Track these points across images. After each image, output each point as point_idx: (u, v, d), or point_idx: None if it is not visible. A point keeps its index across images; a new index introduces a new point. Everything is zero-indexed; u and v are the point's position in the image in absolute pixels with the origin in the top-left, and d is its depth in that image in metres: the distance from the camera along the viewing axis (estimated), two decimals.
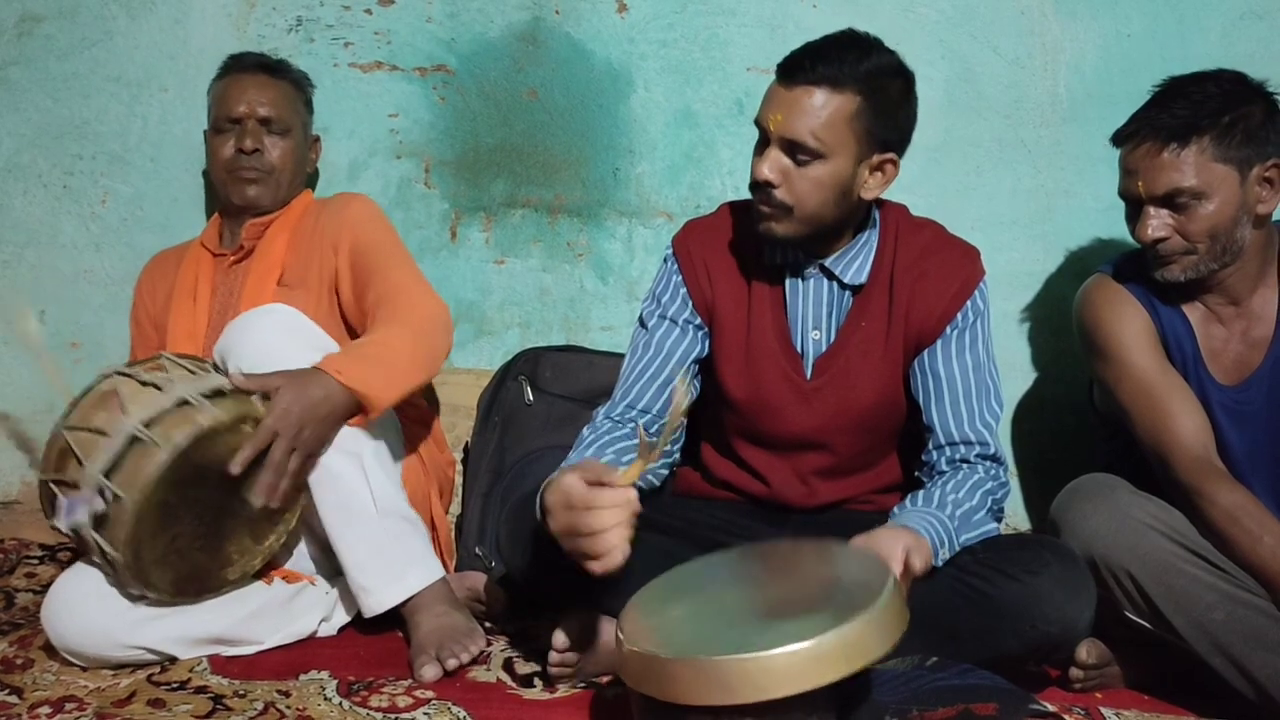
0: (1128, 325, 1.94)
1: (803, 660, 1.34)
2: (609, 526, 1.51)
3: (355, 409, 1.91)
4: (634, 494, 1.53)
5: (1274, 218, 1.91)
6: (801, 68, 1.77)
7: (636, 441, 1.87)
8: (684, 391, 1.60)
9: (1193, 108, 1.83)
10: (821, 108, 1.75)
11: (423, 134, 2.57)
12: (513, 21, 2.54)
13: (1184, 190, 1.83)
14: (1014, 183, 2.50)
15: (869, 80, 1.76)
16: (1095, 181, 2.44)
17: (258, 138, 2.24)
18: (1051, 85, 2.47)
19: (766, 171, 1.79)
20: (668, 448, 1.97)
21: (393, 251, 2.17)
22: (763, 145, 1.82)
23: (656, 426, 1.89)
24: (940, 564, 1.70)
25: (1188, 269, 1.89)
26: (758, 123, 1.82)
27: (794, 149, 1.77)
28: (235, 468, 1.80)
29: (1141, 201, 1.88)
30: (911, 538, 1.64)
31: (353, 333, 2.18)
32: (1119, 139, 1.93)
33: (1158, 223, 1.87)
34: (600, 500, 1.52)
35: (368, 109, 2.56)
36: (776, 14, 2.49)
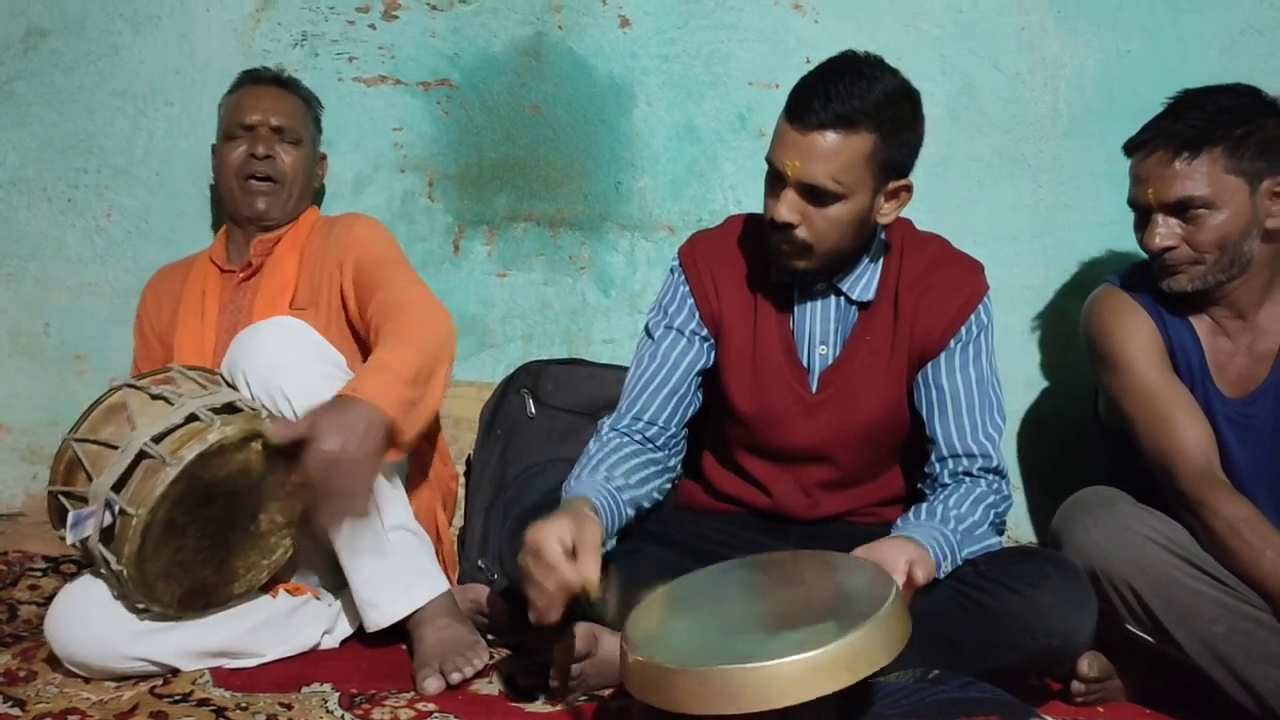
0: (1134, 335, 1.95)
1: (807, 669, 1.35)
2: (553, 590, 1.61)
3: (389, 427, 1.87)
4: (594, 580, 1.61)
5: None
6: (812, 109, 1.73)
7: (643, 459, 1.89)
8: None
9: (1206, 119, 1.84)
10: (838, 151, 1.73)
11: (426, 148, 2.58)
12: (515, 36, 2.55)
13: (1195, 199, 1.84)
14: (1014, 197, 2.50)
15: (880, 112, 1.74)
16: (1095, 196, 2.44)
17: (270, 144, 2.26)
18: (1052, 100, 2.48)
19: (785, 214, 1.77)
20: (669, 461, 1.98)
21: (394, 263, 2.18)
22: (777, 185, 1.80)
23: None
24: (942, 577, 1.71)
25: (1195, 279, 1.89)
26: (770, 162, 1.81)
27: (813, 193, 1.76)
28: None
29: (1151, 210, 1.89)
30: (914, 549, 1.65)
31: (365, 351, 2.17)
32: (1131, 148, 1.93)
33: (1166, 231, 1.88)
34: (561, 567, 1.60)
35: (372, 123, 2.57)
36: (778, 29, 2.50)
